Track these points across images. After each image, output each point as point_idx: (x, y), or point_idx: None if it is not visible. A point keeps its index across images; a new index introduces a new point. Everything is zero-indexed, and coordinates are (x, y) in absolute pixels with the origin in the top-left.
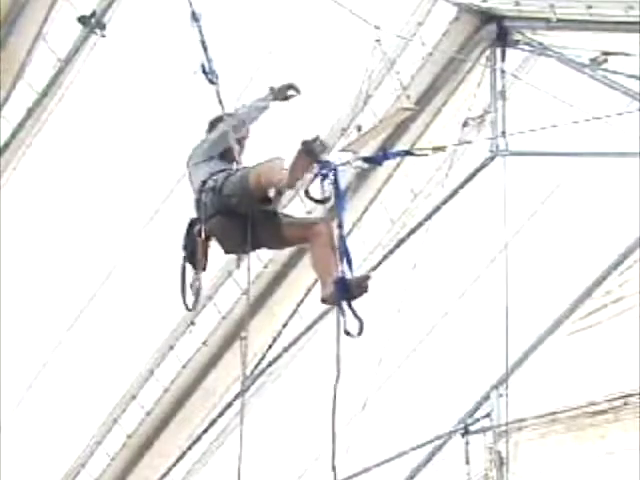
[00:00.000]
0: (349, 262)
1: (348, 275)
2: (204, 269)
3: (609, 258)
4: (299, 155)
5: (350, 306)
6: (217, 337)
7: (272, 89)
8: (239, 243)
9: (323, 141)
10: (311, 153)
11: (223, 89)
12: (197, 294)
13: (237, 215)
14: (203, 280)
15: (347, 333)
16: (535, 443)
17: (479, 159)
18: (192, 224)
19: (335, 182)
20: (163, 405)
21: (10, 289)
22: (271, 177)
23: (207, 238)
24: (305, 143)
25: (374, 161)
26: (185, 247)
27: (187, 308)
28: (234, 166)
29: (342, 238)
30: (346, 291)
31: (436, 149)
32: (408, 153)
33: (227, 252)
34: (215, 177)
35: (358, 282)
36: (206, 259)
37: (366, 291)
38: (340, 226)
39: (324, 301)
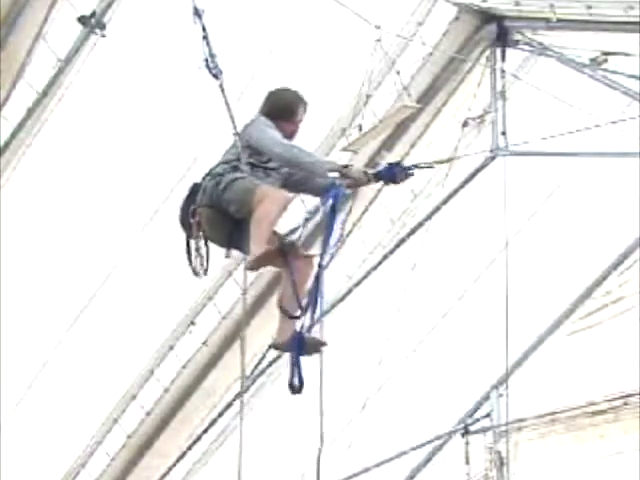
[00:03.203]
0: (315, 305)
1: (308, 325)
2: (197, 237)
3: (609, 258)
4: (273, 251)
5: (298, 361)
6: (217, 337)
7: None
8: (221, 239)
9: (294, 243)
10: (281, 251)
11: (226, 85)
12: (204, 261)
13: (228, 215)
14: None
15: (291, 387)
16: (535, 443)
17: (479, 159)
18: (193, 192)
19: (332, 213)
20: (163, 405)
21: (10, 289)
22: (269, 210)
23: (199, 223)
24: (284, 244)
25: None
26: (182, 213)
27: (195, 274)
28: (244, 167)
29: (319, 277)
30: (300, 348)
31: (440, 162)
32: (415, 167)
33: (208, 240)
34: (223, 168)
35: (314, 344)
36: (198, 230)
37: (318, 353)
38: (321, 264)
39: (275, 347)
